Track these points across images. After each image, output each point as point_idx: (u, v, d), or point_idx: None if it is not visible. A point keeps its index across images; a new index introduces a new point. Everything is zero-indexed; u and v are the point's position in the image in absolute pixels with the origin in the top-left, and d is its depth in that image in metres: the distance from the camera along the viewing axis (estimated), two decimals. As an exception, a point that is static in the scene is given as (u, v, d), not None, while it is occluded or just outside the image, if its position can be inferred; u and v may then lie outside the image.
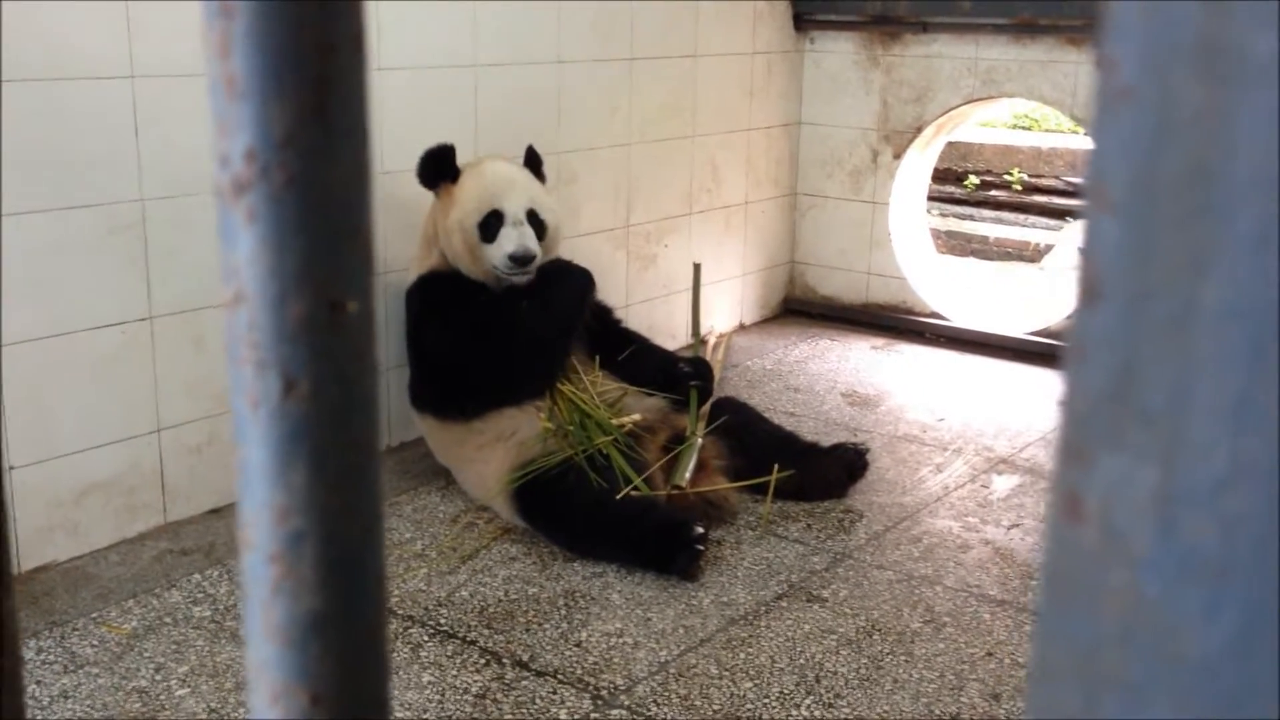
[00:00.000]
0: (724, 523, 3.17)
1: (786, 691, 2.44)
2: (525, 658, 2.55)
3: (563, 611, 2.75)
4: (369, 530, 0.45)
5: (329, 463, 0.43)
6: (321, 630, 0.44)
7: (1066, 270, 6.81)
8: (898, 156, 4.92)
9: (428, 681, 2.45)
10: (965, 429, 3.92)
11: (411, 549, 3.04)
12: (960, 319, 4.89)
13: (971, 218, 7.86)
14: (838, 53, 5.00)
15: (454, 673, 2.49)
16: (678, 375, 3.46)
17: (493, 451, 3.21)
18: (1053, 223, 7.60)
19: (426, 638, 2.62)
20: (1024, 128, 8.93)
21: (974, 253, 7.45)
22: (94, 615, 2.68)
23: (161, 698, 2.38)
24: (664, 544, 2.88)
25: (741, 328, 5.07)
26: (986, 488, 3.47)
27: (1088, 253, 0.32)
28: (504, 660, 2.54)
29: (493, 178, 3.29)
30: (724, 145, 4.78)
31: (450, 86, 3.66)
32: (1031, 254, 7.33)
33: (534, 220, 3.29)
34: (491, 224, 3.25)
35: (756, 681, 2.48)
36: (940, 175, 7.50)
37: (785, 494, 3.29)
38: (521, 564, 2.97)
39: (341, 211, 0.42)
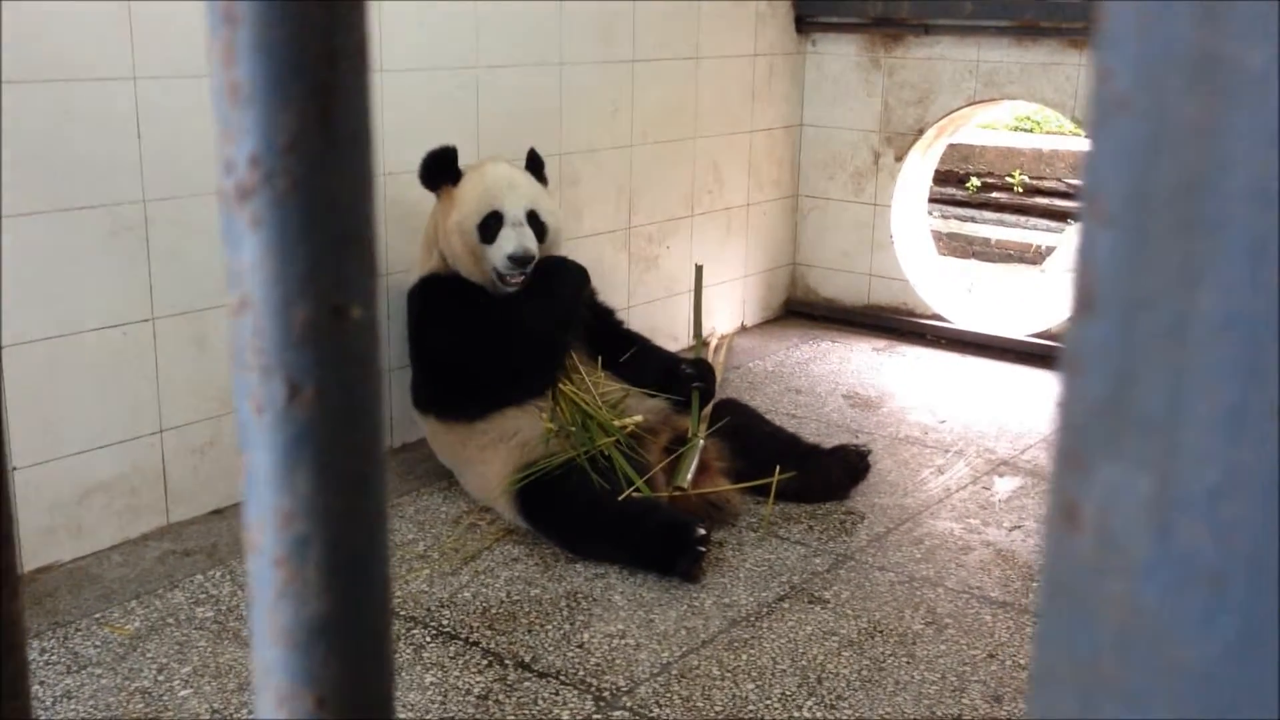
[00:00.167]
0: (726, 524, 3.17)
1: (788, 693, 2.45)
2: (528, 659, 2.55)
3: (565, 613, 2.75)
4: (373, 534, 0.45)
5: (333, 467, 0.43)
6: (326, 633, 0.44)
7: (1068, 272, 6.80)
8: (899, 158, 4.92)
9: (430, 682, 2.46)
10: (967, 431, 3.92)
11: (414, 550, 3.04)
12: (961, 321, 4.89)
13: (973, 220, 7.86)
14: (839, 55, 5.01)
15: (456, 674, 2.49)
16: (679, 377, 3.46)
17: (495, 452, 3.21)
18: (1054, 225, 7.60)
19: (429, 639, 2.62)
20: (1025, 130, 8.93)
21: (975, 255, 7.46)
22: (97, 616, 2.68)
23: (164, 698, 2.38)
24: (666, 545, 2.89)
25: (743, 329, 5.07)
26: (988, 489, 3.47)
27: (1083, 263, 0.33)
28: (506, 661, 2.54)
29: (493, 179, 3.29)
30: (726, 147, 4.79)
31: (452, 88, 3.67)
32: (1033, 256, 7.33)
33: (534, 222, 3.30)
34: (491, 225, 3.25)
35: (758, 683, 2.48)
36: (942, 177, 7.50)
37: (787, 495, 3.29)
38: (524, 565, 2.98)
39: (345, 218, 0.43)
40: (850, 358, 4.69)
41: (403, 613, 2.72)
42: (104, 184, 2.87)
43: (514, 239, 3.23)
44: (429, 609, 2.75)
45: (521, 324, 3.25)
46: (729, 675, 2.50)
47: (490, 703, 2.39)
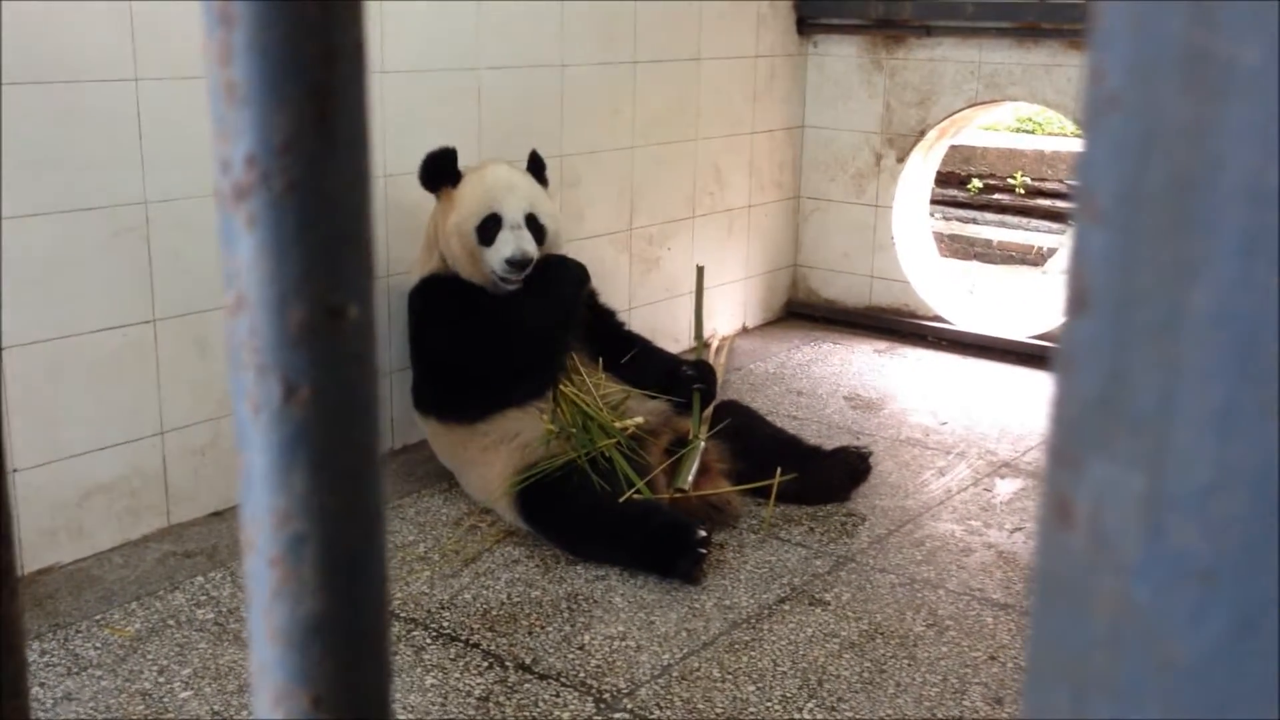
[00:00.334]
0: (726, 526, 3.17)
1: (789, 695, 2.44)
2: (528, 661, 2.55)
3: (565, 614, 2.75)
4: (370, 533, 0.45)
5: (330, 467, 0.44)
6: (322, 632, 0.44)
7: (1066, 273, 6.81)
8: (901, 160, 4.92)
9: (430, 684, 2.46)
10: (968, 432, 3.92)
11: (414, 552, 3.04)
12: (963, 322, 4.89)
13: (974, 221, 7.87)
14: (841, 56, 5.01)
15: (457, 676, 2.49)
16: (681, 378, 3.46)
17: (496, 454, 3.21)
18: (1056, 226, 7.60)
19: (429, 640, 2.62)
20: (1027, 131, 8.93)
21: (977, 256, 7.46)
22: (97, 617, 2.68)
23: (165, 700, 2.39)
24: (667, 547, 2.89)
25: (744, 331, 5.07)
26: (989, 491, 3.47)
27: (1076, 261, 0.33)
28: (507, 663, 2.54)
29: (492, 181, 3.29)
30: (727, 148, 4.79)
31: (453, 89, 3.67)
32: (1034, 257, 7.34)
33: (533, 225, 3.29)
34: (489, 227, 3.25)
35: (759, 685, 2.48)
36: (943, 179, 7.51)
37: (788, 497, 3.29)
38: (524, 567, 2.98)
39: (341, 218, 0.43)
40: (851, 359, 4.69)
41: (403, 614, 2.72)
42: (105, 185, 2.88)
43: (512, 242, 3.23)
44: (429, 611, 2.75)
45: (522, 324, 3.25)
46: (730, 677, 2.50)
47: (491, 704, 2.39)
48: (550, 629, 2.68)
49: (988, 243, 7.54)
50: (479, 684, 2.46)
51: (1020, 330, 4.76)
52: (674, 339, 4.58)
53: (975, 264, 7.28)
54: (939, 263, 5.32)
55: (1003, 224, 7.77)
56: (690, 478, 3.14)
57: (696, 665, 2.55)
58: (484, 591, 2.85)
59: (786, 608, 2.79)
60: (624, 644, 2.63)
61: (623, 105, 4.28)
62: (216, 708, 2.36)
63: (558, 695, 2.43)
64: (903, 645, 2.64)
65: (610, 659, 2.57)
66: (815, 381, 4.44)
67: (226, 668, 2.50)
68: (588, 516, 2.99)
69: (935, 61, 4.77)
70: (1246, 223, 0.30)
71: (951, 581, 2.92)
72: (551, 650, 2.59)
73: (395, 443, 3.68)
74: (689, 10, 4.47)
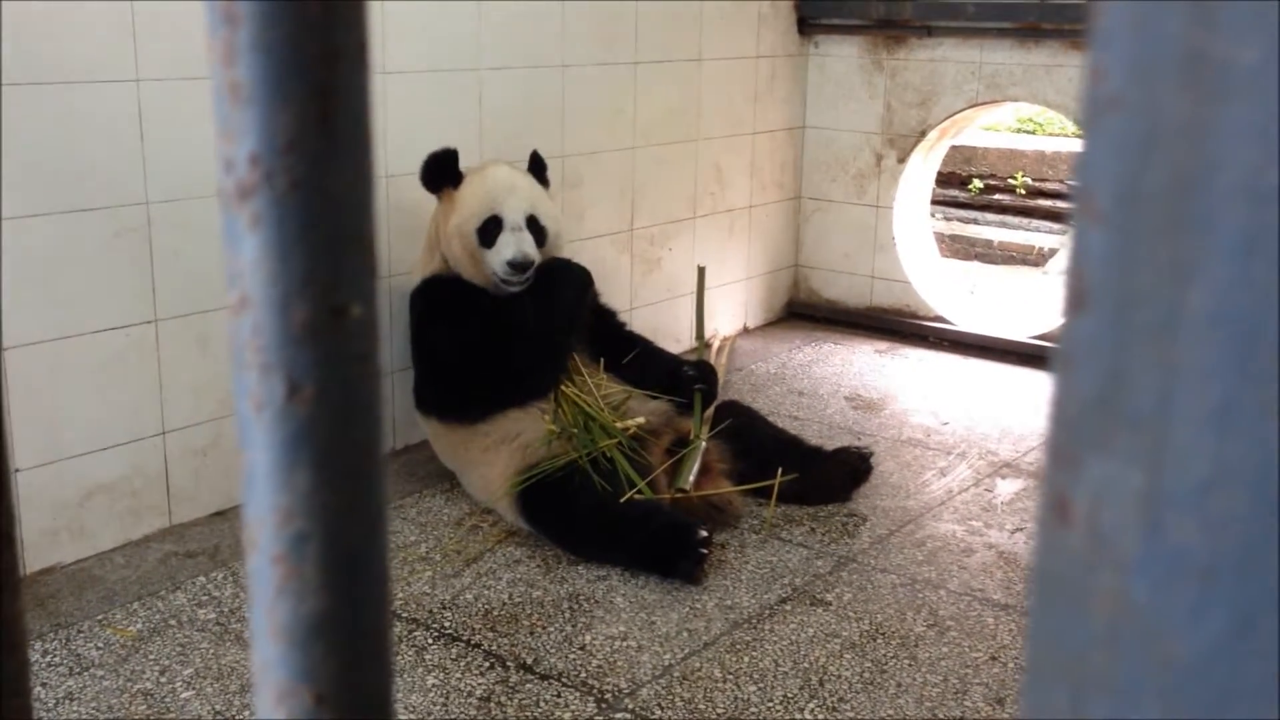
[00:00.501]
0: (728, 526, 3.18)
1: (790, 695, 2.45)
2: (529, 661, 2.55)
3: (567, 615, 2.75)
4: (372, 531, 0.45)
5: (332, 465, 0.44)
6: (325, 630, 0.44)
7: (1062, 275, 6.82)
8: (902, 160, 4.92)
9: (432, 685, 2.46)
10: (969, 433, 3.92)
11: (416, 552, 3.04)
12: (964, 323, 4.89)
13: (975, 221, 7.87)
14: (842, 56, 5.01)
15: (458, 676, 2.49)
16: (682, 378, 3.46)
17: (497, 454, 3.21)
18: (1056, 227, 7.60)
19: (431, 641, 2.62)
20: (1028, 132, 8.93)
21: (978, 257, 7.46)
22: (99, 617, 2.69)
23: (166, 700, 2.39)
24: (668, 547, 2.89)
25: (745, 331, 5.07)
26: (990, 492, 3.47)
27: (1075, 261, 0.33)
28: (508, 663, 2.54)
29: (493, 183, 3.29)
30: (728, 149, 4.79)
31: (454, 90, 3.67)
32: (1035, 258, 7.34)
33: (534, 226, 3.29)
34: (490, 229, 3.25)
35: (760, 685, 2.48)
36: (944, 179, 7.51)
37: (789, 498, 3.29)
38: (526, 567, 2.98)
39: (345, 217, 0.43)
40: (852, 360, 4.69)
41: (405, 615, 2.72)
42: (107, 186, 2.88)
43: (513, 244, 3.23)
44: (431, 611, 2.75)
45: (524, 326, 3.25)
46: (731, 677, 2.50)
47: (492, 705, 2.39)
48: (552, 629, 2.69)
49: (988, 243, 7.54)
50: (480, 684, 2.46)
51: (1021, 331, 4.76)
52: (675, 339, 4.58)
53: (976, 264, 7.28)
54: (940, 263, 5.32)
55: (1003, 224, 7.77)
56: (691, 478, 3.14)
57: (698, 665, 2.55)
58: (485, 592, 2.85)
59: (788, 608, 2.79)
60: (625, 644, 2.63)
61: (624, 106, 4.28)
62: (218, 708, 2.36)
63: (559, 695, 2.43)
64: (904, 645, 2.64)
65: (611, 659, 2.57)
66: (816, 382, 4.44)
67: (228, 668, 2.50)
68: (589, 517, 2.99)
69: (936, 62, 4.77)
70: (1246, 222, 0.30)
71: (953, 582, 2.93)
72: (553, 650, 2.60)
73: (397, 443, 3.68)
74: (690, 11, 4.47)
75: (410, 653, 2.57)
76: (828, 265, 5.22)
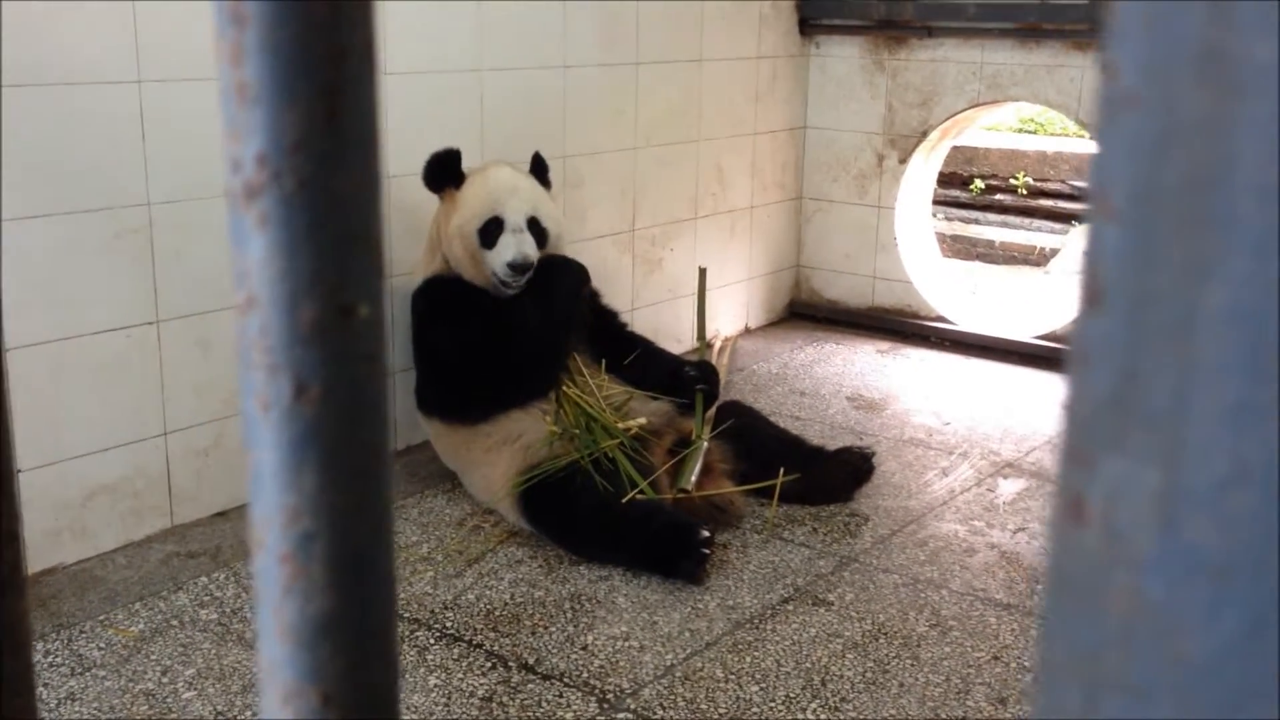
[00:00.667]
0: (730, 526, 3.17)
1: (792, 695, 2.44)
2: (531, 661, 2.55)
3: (569, 615, 2.75)
4: (379, 531, 0.45)
5: (339, 464, 0.44)
6: (331, 630, 0.44)
7: (1072, 274, 6.82)
8: (903, 161, 4.92)
9: (434, 685, 2.46)
10: (971, 433, 3.92)
11: (418, 552, 3.04)
12: (965, 323, 4.89)
13: (977, 222, 7.87)
14: (843, 57, 5.01)
15: (460, 676, 2.49)
16: (683, 379, 3.46)
17: (499, 455, 3.21)
18: (1058, 226, 7.60)
19: (433, 641, 2.62)
20: (1029, 132, 8.93)
21: (979, 257, 7.46)
22: (101, 618, 2.69)
23: (168, 700, 2.39)
24: (670, 547, 2.89)
25: (747, 331, 5.07)
26: (992, 492, 3.47)
27: (1090, 259, 0.33)
28: (510, 663, 2.54)
29: (495, 184, 3.29)
30: (729, 149, 4.79)
31: (456, 91, 3.67)
32: (1037, 258, 7.34)
33: (535, 228, 3.29)
34: (492, 230, 3.25)
35: (762, 685, 2.48)
36: (945, 179, 7.51)
37: (791, 498, 3.29)
38: (527, 567, 2.98)
39: (352, 216, 0.43)
40: (854, 360, 4.69)
41: (406, 615, 2.72)
42: (108, 187, 2.88)
43: (513, 246, 3.23)
44: (433, 611, 2.75)
45: (524, 325, 3.25)
46: (733, 677, 2.50)
47: (494, 705, 2.39)
48: (553, 629, 2.68)
49: (990, 243, 7.54)
50: (482, 684, 2.46)
51: (1023, 331, 4.76)
52: (676, 340, 4.58)
53: (977, 264, 7.28)
54: (941, 263, 5.32)
55: (1005, 224, 7.76)
56: (693, 478, 3.14)
57: (700, 665, 2.55)
58: (487, 592, 2.85)
59: (790, 608, 2.79)
60: (627, 644, 2.63)
61: (625, 106, 4.28)
62: (220, 708, 2.36)
63: (561, 695, 2.43)
64: (906, 645, 2.64)
65: (613, 659, 2.57)
66: (818, 382, 4.43)
67: (230, 668, 2.50)
68: (591, 517, 2.99)
69: (937, 62, 4.77)
70: (1261, 220, 0.30)
71: (955, 582, 2.92)
72: (555, 650, 2.59)
73: (399, 443, 3.68)
74: (691, 11, 4.47)
75: (412, 653, 2.57)
76: (829, 265, 5.22)
